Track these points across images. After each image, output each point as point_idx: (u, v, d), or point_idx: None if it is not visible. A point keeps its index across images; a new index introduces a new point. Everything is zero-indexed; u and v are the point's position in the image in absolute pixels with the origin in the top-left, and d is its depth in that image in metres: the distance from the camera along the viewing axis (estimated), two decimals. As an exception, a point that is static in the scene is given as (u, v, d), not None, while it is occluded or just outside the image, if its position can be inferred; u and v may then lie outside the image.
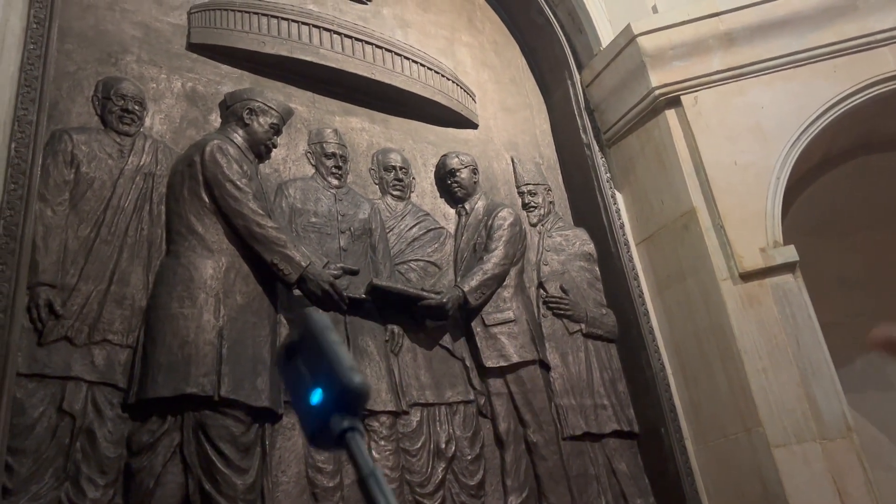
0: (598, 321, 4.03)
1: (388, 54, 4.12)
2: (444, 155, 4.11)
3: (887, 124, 4.28)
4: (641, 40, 4.20)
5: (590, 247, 4.28)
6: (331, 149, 3.68)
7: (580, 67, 4.68)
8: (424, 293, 3.50)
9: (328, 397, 0.84)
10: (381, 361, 3.32)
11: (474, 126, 4.43)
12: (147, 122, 3.25)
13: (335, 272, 3.18)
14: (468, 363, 3.61)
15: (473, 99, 4.49)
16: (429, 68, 4.27)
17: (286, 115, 3.51)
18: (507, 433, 3.52)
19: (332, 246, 3.44)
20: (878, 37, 3.97)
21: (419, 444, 3.30)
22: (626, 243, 4.24)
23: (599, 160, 4.44)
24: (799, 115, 3.96)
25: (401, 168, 3.90)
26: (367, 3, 4.27)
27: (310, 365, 0.88)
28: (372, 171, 3.88)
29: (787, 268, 3.71)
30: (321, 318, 0.90)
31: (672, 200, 4.08)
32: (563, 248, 4.22)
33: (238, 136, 3.31)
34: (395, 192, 3.86)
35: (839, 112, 3.97)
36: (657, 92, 4.16)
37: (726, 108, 4.06)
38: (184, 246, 2.98)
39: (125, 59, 3.32)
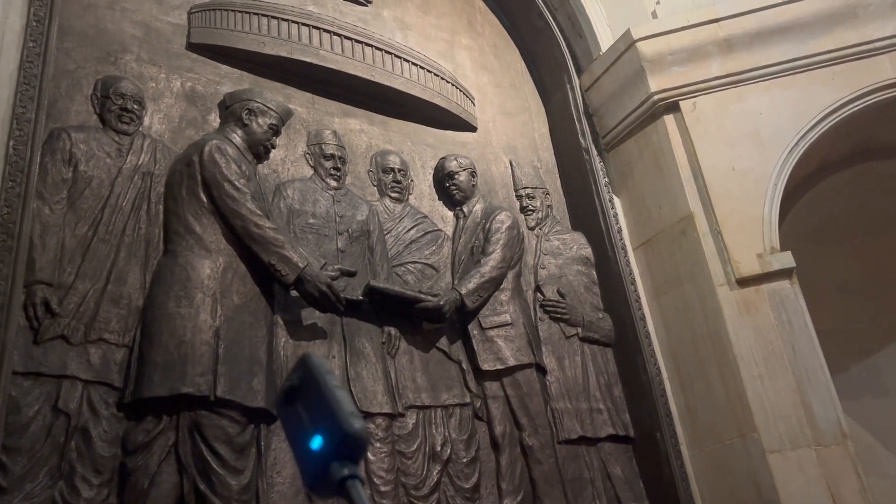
0: (595, 325, 4.04)
1: (387, 56, 4.12)
2: (443, 157, 4.11)
3: (885, 132, 4.30)
4: (641, 45, 4.21)
5: (587, 251, 4.28)
6: (329, 150, 3.68)
7: (579, 72, 4.68)
8: (422, 295, 3.50)
9: (328, 443, 0.82)
10: (378, 363, 3.31)
11: (473, 129, 4.44)
12: (146, 121, 3.24)
13: (333, 273, 3.17)
14: (465, 366, 3.61)
15: (473, 102, 4.50)
16: (428, 71, 4.28)
17: (285, 116, 3.51)
18: (502, 436, 3.52)
19: (329, 247, 3.44)
20: (878, 44, 3.98)
21: (415, 447, 3.30)
22: (624, 248, 4.24)
23: (598, 164, 4.45)
24: (797, 121, 3.97)
25: (399, 170, 3.91)
26: (367, 5, 4.28)
27: (310, 409, 0.86)
28: (370, 173, 3.88)
29: (783, 274, 3.72)
30: (321, 362, 0.89)
31: (670, 205, 4.09)
32: (561, 251, 4.22)
33: (237, 137, 3.31)
34: (393, 194, 3.86)
35: (837, 119, 3.98)
36: (656, 97, 4.17)
37: (725, 113, 4.07)
38: (181, 245, 2.98)
39: (125, 58, 3.32)
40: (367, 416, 3.17)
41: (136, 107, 3.18)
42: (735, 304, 3.72)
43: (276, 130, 3.44)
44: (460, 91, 4.42)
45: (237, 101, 3.42)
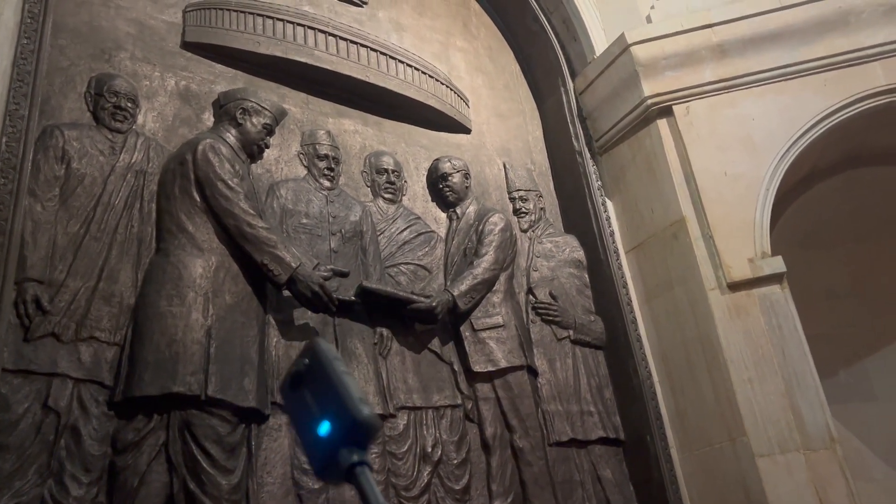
0: (587, 328, 4.05)
1: (382, 57, 4.12)
2: (437, 159, 4.12)
3: (876, 138, 4.33)
4: (635, 49, 4.23)
5: (579, 254, 4.29)
6: (323, 150, 3.68)
7: (574, 75, 4.70)
8: (414, 296, 3.50)
9: (336, 429, 0.81)
10: (370, 364, 3.32)
11: (467, 131, 4.44)
12: (140, 119, 3.24)
13: (325, 274, 3.17)
14: (456, 367, 3.61)
15: (467, 104, 4.51)
16: (423, 72, 4.28)
17: (279, 116, 3.51)
18: (493, 438, 3.53)
19: (322, 247, 3.44)
20: (869, 52, 4.01)
21: (405, 448, 3.30)
22: (616, 251, 4.26)
23: (591, 168, 4.46)
24: (789, 127, 3.99)
25: (393, 171, 3.91)
26: (362, 6, 4.28)
27: (317, 395, 0.85)
28: (364, 174, 3.89)
29: (774, 279, 3.74)
30: (329, 348, 0.89)
31: (662, 209, 4.10)
32: (553, 254, 4.23)
33: (231, 136, 3.31)
34: (386, 195, 3.86)
35: (828, 125, 4.01)
36: (649, 101, 4.19)
37: (717, 118, 4.10)
38: (174, 244, 2.97)
39: (119, 55, 3.31)
40: (359, 416, 3.17)
41: (129, 105, 3.17)
42: (726, 308, 3.74)
43: (270, 130, 3.44)
44: (455, 93, 4.43)
45: (231, 100, 3.42)
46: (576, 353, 3.96)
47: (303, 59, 3.80)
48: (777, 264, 3.75)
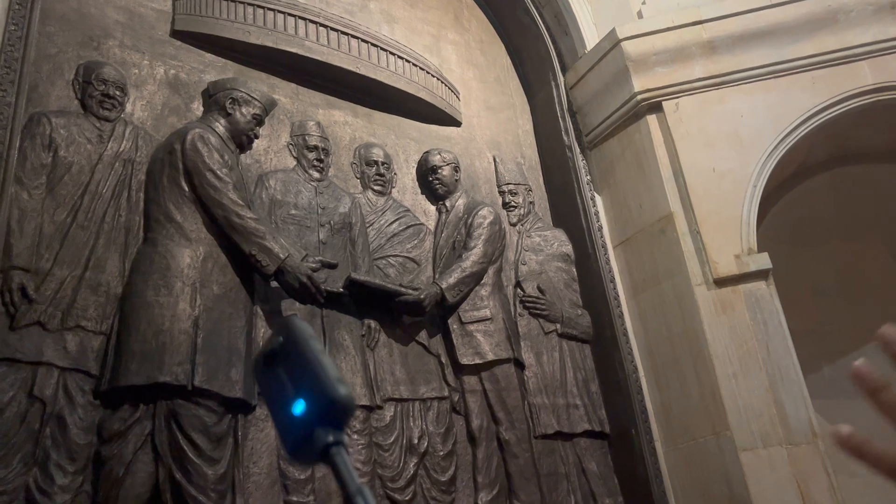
0: (574, 322, 4.07)
1: (373, 49, 4.12)
2: (427, 152, 4.12)
3: (863, 137, 4.36)
4: (626, 45, 4.24)
5: (568, 248, 4.31)
6: (313, 141, 3.68)
7: (564, 69, 4.70)
8: (402, 289, 3.51)
9: (312, 409, 0.79)
10: (357, 356, 3.32)
11: (458, 124, 4.44)
12: (128, 108, 3.22)
13: (313, 265, 3.17)
14: (443, 360, 3.63)
15: (458, 97, 4.50)
16: (414, 64, 4.28)
17: (269, 106, 3.50)
18: (479, 430, 3.54)
19: (311, 239, 3.44)
20: (857, 50, 4.03)
21: (392, 439, 3.32)
22: (604, 246, 4.28)
23: (580, 162, 4.47)
24: (777, 124, 4.02)
25: (383, 163, 3.91)
26: (354, -3, 4.27)
27: (292, 374, 0.82)
28: (354, 166, 3.88)
29: (760, 275, 3.77)
30: (305, 326, 0.88)
31: (650, 205, 4.12)
32: (542, 248, 4.25)
33: (220, 126, 3.30)
34: (376, 187, 3.86)
35: (816, 123, 4.04)
36: (639, 97, 4.20)
37: (706, 115, 4.11)
38: (161, 234, 2.97)
39: (107, 43, 3.29)
40: (345, 407, 3.18)
41: (118, 93, 3.16)
42: (712, 303, 3.76)
43: (259, 120, 3.43)
44: (445, 85, 4.43)
45: (221, 89, 3.41)
46: (563, 346, 3.98)
47: (293, 50, 3.79)
48: (763, 261, 3.77)
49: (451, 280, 3.63)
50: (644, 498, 3.71)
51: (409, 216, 3.93)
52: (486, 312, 3.72)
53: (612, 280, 4.19)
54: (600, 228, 4.31)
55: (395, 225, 3.84)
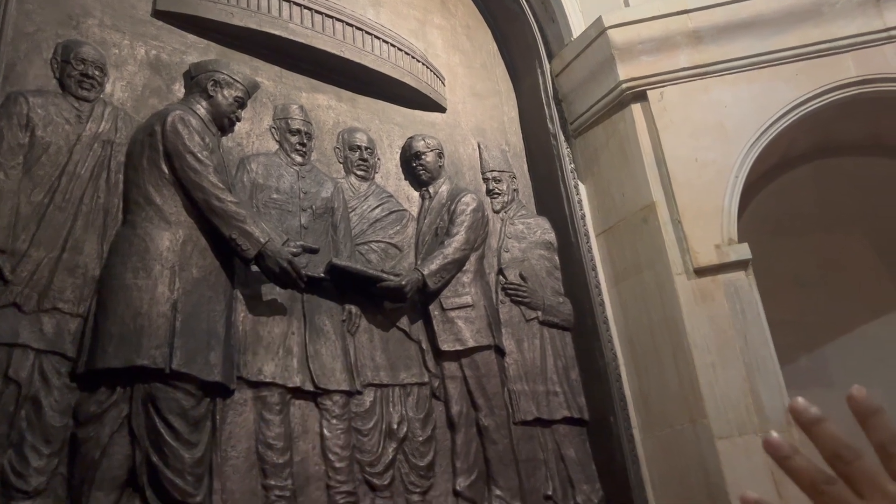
0: (555, 309, 4.08)
1: (358, 32, 4.08)
2: (411, 137, 4.11)
3: (845, 129, 4.39)
4: (612, 33, 4.23)
5: (550, 236, 4.31)
6: (296, 125, 3.65)
7: (551, 56, 4.69)
8: (384, 275, 3.50)
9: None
10: (338, 341, 3.32)
11: (442, 110, 4.43)
12: (108, 88, 3.18)
13: (294, 250, 3.15)
14: (424, 346, 3.63)
15: (443, 82, 4.48)
16: (399, 49, 4.25)
17: (251, 89, 3.47)
18: (459, 416, 3.56)
19: (292, 223, 3.43)
20: (840, 43, 4.04)
21: (371, 424, 3.33)
22: (587, 234, 4.28)
23: (565, 150, 4.47)
24: (760, 115, 4.03)
25: (366, 148, 3.89)
26: (339, -20, 4.22)
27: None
28: (337, 150, 3.86)
29: (739, 265, 3.79)
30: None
31: (633, 194, 4.13)
32: (525, 235, 4.25)
33: (201, 108, 3.27)
34: (359, 172, 3.85)
35: (799, 115, 4.05)
36: (624, 85, 4.20)
37: (690, 105, 4.12)
38: (141, 216, 2.94)
39: (87, 22, 3.24)
40: (325, 392, 3.19)
41: (97, 73, 3.12)
42: (692, 293, 3.79)
43: (241, 103, 3.40)
44: (431, 71, 4.41)
45: (203, 71, 3.37)
46: (543, 333, 4.00)
47: (277, 32, 3.75)
48: (743, 251, 3.80)
49: (433, 266, 3.63)
50: (621, 484, 3.75)
51: (391, 202, 3.92)
52: (468, 299, 3.72)
53: (594, 268, 4.21)
54: (583, 217, 4.32)
55: (377, 210, 3.83)
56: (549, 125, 4.55)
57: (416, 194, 4.06)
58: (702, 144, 4.02)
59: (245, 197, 3.31)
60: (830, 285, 4.98)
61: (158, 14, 3.48)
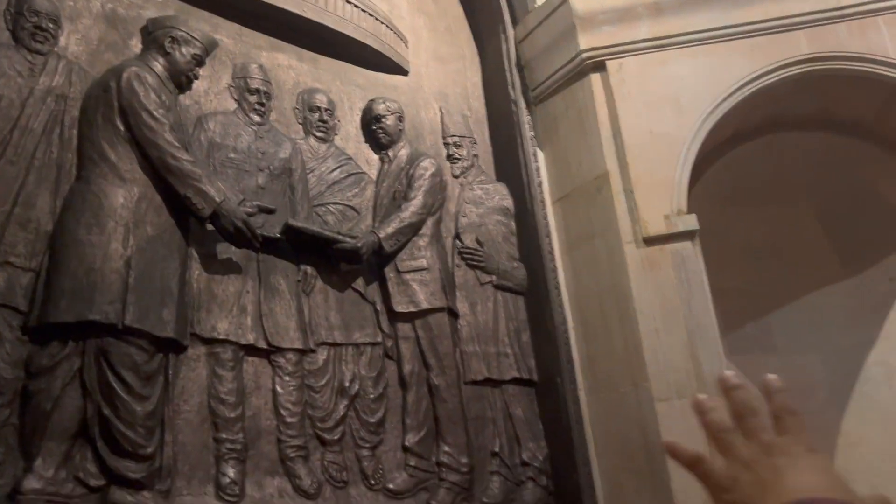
0: (509, 274, 4.18)
1: (321, -8, 4.06)
2: (372, 100, 4.12)
3: (797, 105, 4.49)
4: (574, 2, 4.25)
5: (508, 202, 4.39)
6: (255, 84, 3.65)
7: (515, 23, 4.69)
8: (340, 237, 3.56)
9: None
10: (292, 300, 3.39)
11: (405, 72, 4.43)
12: (62, 41, 3.15)
13: (250, 210, 3.19)
14: (379, 307, 3.72)
15: (406, 45, 4.48)
16: (363, 10, 4.23)
17: (210, 47, 3.45)
18: (410, 375, 3.67)
19: (249, 183, 3.46)
20: (796, 20, 4.11)
21: (323, 382, 3.42)
22: (543, 201, 4.35)
23: (525, 117, 4.51)
24: (715, 89, 4.10)
25: (326, 110, 3.91)
26: (303, -63, 4.18)
27: None
28: (296, 111, 3.87)
29: (686, 235, 3.91)
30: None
31: (589, 163, 4.21)
32: (483, 201, 4.32)
33: (158, 65, 3.25)
34: (318, 134, 3.87)
35: (753, 89, 4.13)
36: (584, 55, 4.24)
37: (648, 76, 4.18)
38: (95, 172, 2.95)
39: (41, -27, 3.19)
40: (278, 350, 3.27)
41: (51, 25, 3.09)
42: (640, 261, 3.90)
43: (199, 61, 3.39)
44: (394, 33, 4.40)
45: (160, 27, 3.35)
46: (497, 297, 4.10)
47: (237, -11, 3.72)
48: (691, 222, 3.91)
49: (389, 229, 3.70)
50: (565, 443, 3.90)
51: (350, 164, 3.95)
52: (423, 262, 3.80)
53: (549, 235, 4.29)
54: (540, 184, 4.38)
55: (336, 172, 3.87)
56: (511, 92, 4.59)
57: (375, 157, 4.09)
58: (657, 116, 4.09)
59: (202, 156, 3.33)
60: (778, 255, 5.14)
61: (115, -34, 3.43)
